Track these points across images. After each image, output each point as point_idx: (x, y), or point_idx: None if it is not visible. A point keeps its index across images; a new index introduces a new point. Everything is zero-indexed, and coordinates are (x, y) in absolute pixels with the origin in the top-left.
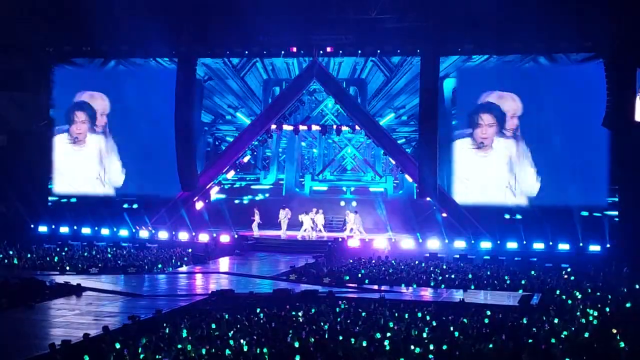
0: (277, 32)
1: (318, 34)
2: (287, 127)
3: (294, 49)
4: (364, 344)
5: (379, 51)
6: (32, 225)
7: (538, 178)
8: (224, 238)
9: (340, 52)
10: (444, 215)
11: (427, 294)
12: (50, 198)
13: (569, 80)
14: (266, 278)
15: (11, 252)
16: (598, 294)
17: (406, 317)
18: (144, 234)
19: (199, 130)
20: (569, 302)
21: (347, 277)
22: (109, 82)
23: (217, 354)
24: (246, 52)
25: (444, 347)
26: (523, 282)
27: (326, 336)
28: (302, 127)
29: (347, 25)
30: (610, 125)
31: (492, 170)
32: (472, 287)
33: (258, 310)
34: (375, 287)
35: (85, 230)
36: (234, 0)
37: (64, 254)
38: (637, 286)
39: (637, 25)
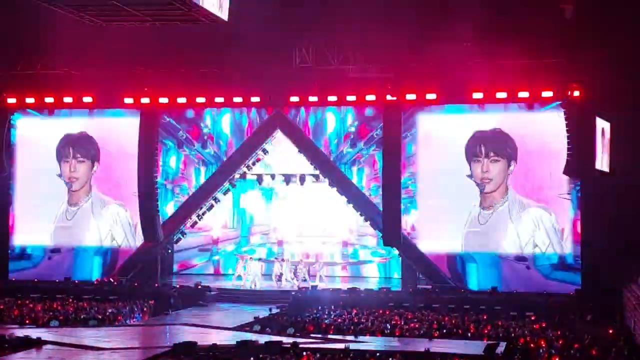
0: (239, 83)
1: (281, 84)
2: (250, 177)
3: (258, 99)
4: None
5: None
6: None
7: None
8: (187, 289)
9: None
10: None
11: (391, 343)
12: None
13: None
14: (229, 329)
15: None
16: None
17: None
18: (106, 285)
19: None
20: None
21: (311, 328)
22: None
23: None
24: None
25: None
26: (487, 331)
27: None
28: (265, 176)
29: (310, 75)
30: (571, 173)
31: None
32: (437, 336)
33: None
34: (340, 337)
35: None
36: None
37: (24, 307)
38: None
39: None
